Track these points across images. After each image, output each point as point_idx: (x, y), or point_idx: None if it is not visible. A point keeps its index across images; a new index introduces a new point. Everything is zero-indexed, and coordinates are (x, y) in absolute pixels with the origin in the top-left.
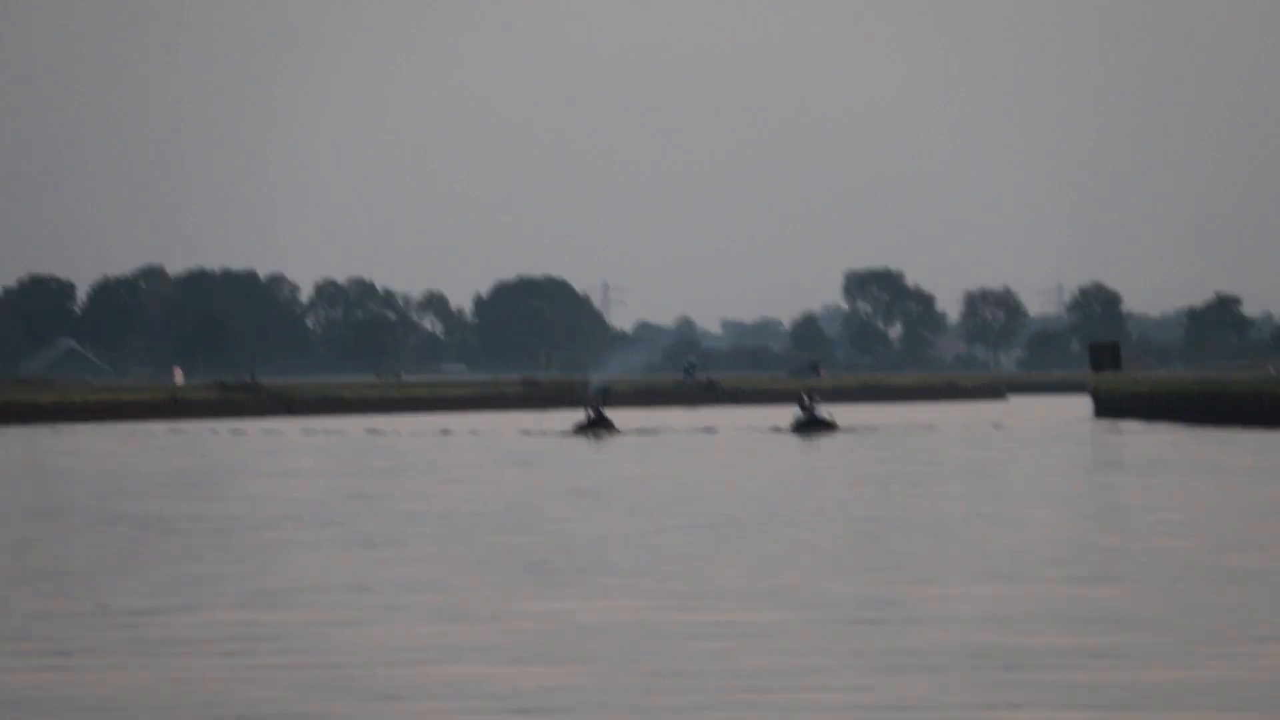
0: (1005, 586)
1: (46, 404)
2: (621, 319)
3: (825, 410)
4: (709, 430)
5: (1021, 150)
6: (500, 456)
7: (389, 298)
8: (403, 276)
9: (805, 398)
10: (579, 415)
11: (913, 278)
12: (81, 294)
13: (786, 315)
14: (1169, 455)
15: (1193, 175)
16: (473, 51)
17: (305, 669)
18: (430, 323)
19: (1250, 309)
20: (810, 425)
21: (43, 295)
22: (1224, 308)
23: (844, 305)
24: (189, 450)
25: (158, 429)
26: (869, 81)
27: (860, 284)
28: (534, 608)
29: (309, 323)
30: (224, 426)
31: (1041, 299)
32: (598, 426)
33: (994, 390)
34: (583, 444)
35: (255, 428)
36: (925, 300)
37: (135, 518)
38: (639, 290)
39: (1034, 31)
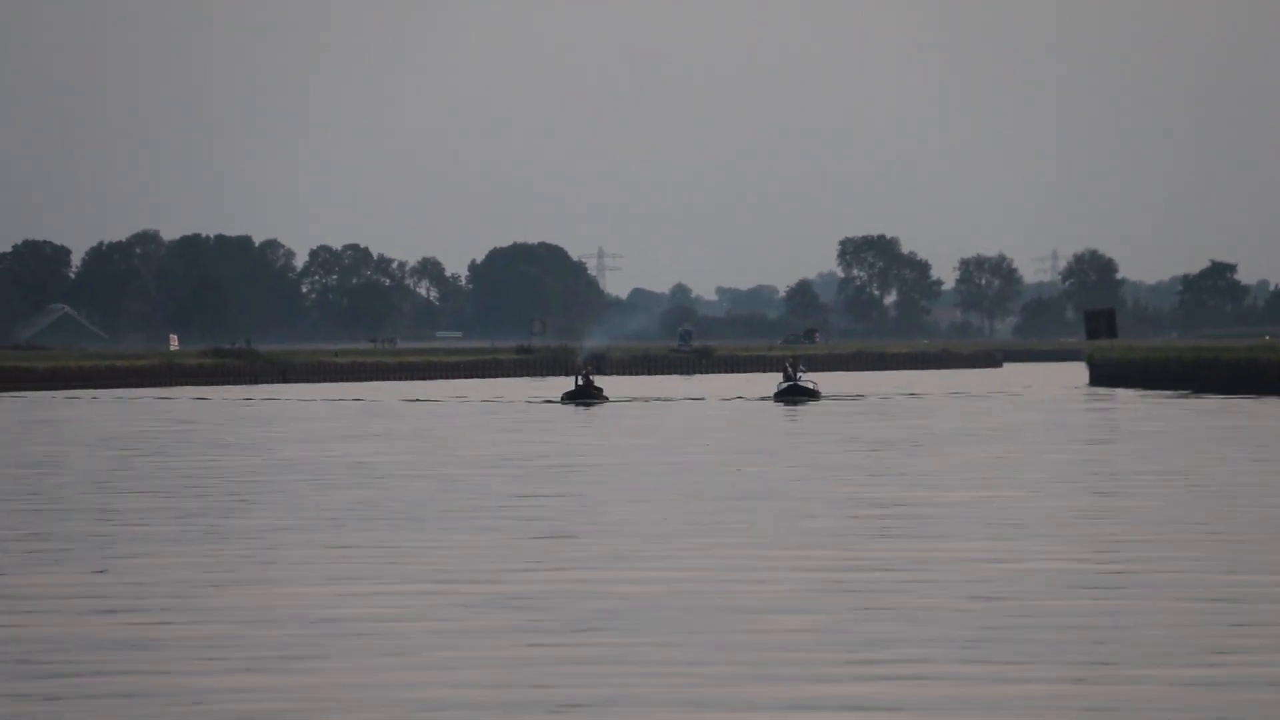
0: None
1: (42, 370)
2: (617, 286)
3: (809, 379)
4: (696, 399)
5: (1017, 119)
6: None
7: (384, 264)
8: (398, 243)
9: (789, 366)
10: (569, 383)
11: (908, 245)
12: (76, 259)
13: (782, 282)
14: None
15: (1188, 143)
16: (467, 21)
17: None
18: (425, 289)
19: (1245, 276)
20: (793, 393)
21: (38, 261)
22: (1219, 275)
23: (839, 272)
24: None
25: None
26: (865, 52)
27: (855, 251)
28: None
29: (304, 289)
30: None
31: (1037, 266)
32: (586, 395)
33: (989, 358)
34: (567, 413)
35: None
36: (920, 267)
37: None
38: (635, 257)
39: (1030, 5)
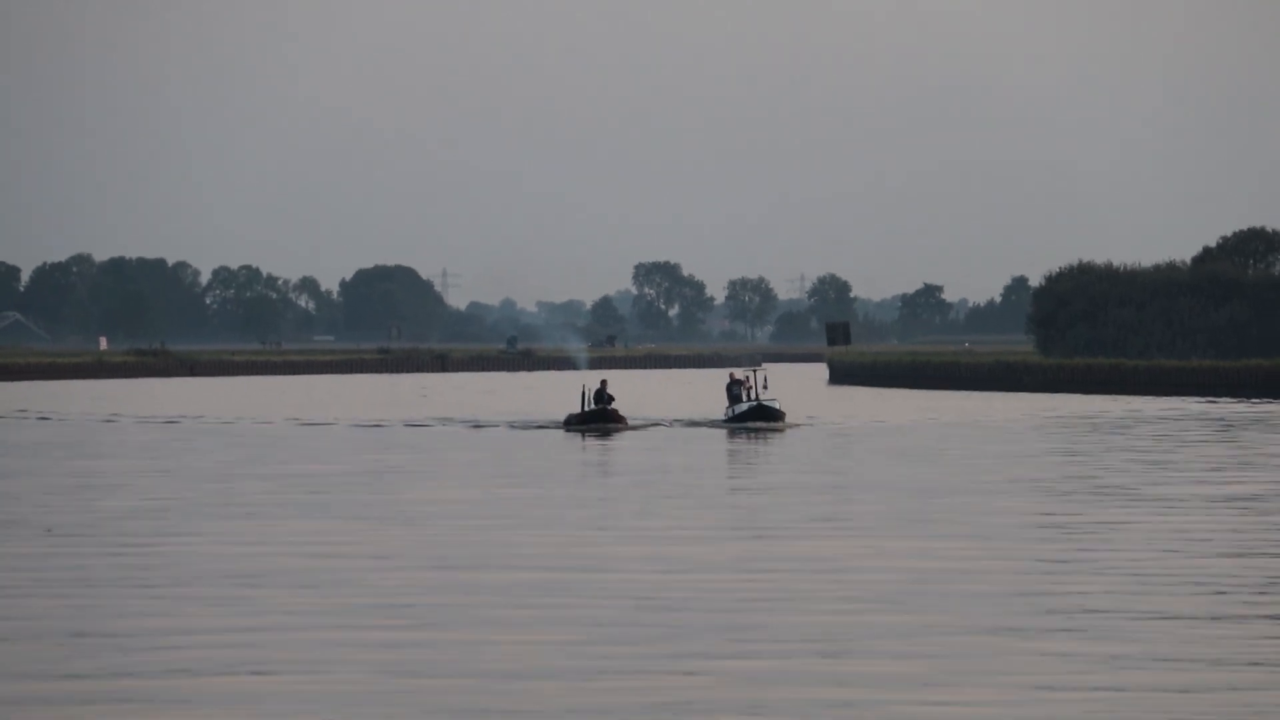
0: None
1: None
2: (457, 299)
3: (772, 397)
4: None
5: (776, 171)
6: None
7: (272, 281)
8: (283, 263)
9: (738, 381)
10: (574, 401)
11: (688, 268)
12: (25, 276)
13: (588, 297)
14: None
15: (907, 189)
16: (340, 80)
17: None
18: (305, 301)
19: (950, 295)
20: (758, 416)
21: None
22: (930, 294)
23: (634, 290)
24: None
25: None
26: (644, 105)
27: (646, 273)
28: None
29: (207, 300)
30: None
31: (789, 286)
32: (600, 419)
33: (752, 360)
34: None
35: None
36: (697, 286)
37: None
38: (472, 276)
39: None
